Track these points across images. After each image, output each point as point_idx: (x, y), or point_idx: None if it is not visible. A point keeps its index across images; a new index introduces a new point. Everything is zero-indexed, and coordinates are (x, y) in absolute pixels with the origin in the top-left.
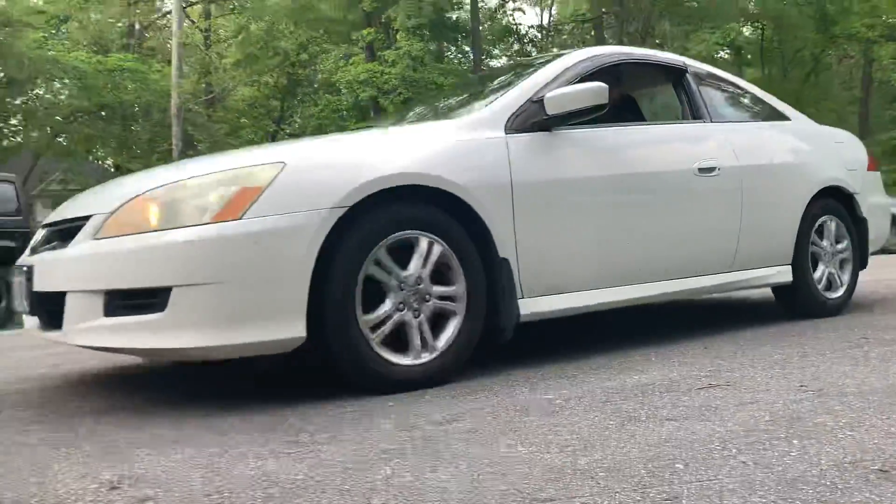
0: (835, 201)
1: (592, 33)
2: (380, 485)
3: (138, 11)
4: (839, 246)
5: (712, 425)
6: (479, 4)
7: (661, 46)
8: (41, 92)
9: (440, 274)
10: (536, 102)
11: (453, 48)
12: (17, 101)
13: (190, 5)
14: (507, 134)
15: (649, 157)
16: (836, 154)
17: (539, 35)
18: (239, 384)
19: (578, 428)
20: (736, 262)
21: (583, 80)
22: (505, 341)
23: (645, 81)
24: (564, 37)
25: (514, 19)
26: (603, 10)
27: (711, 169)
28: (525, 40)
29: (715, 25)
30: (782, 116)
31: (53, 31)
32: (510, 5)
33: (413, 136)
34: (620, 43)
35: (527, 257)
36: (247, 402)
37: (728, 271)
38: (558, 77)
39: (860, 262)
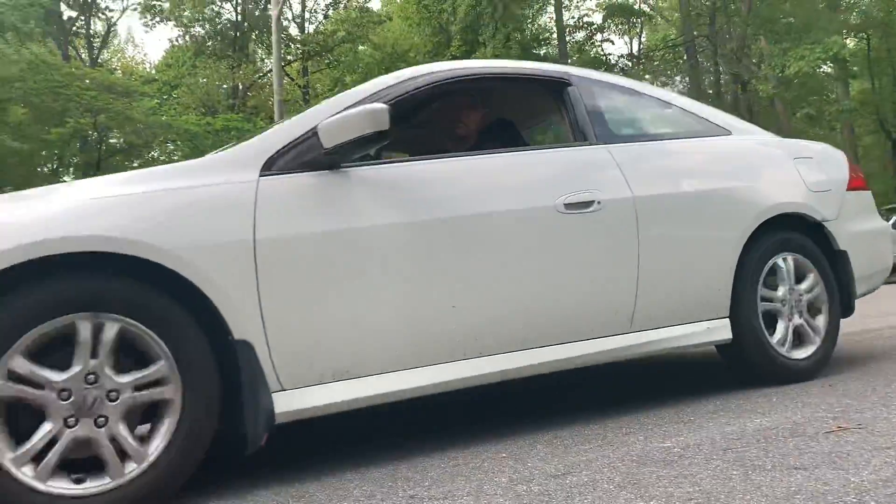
0: (797, 233)
1: (685, 58)
2: None
3: (241, 73)
4: (802, 286)
5: (846, 474)
6: (567, 39)
7: (758, 65)
8: (156, 154)
9: (145, 357)
10: (317, 135)
11: None
12: (135, 164)
13: (288, 64)
14: (261, 176)
15: (486, 194)
16: (793, 173)
17: (630, 64)
18: (349, 434)
19: (700, 479)
20: (636, 320)
21: (409, 105)
22: (254, 450)
23: (521, 100)
24: (656, 63)
25: (602, 50)
26: (695, 33)
27: (587, 203)
28: (615, 70)
29: (815, 40)
30: (718, 131)
31: (165, 97)
32: (598, 37)
33: (108, 186)
34: (715, 65)
35: (284, 336)
36: (360, 453)
37: (627, 332)
38: (360, 104)
39: (843, 308)
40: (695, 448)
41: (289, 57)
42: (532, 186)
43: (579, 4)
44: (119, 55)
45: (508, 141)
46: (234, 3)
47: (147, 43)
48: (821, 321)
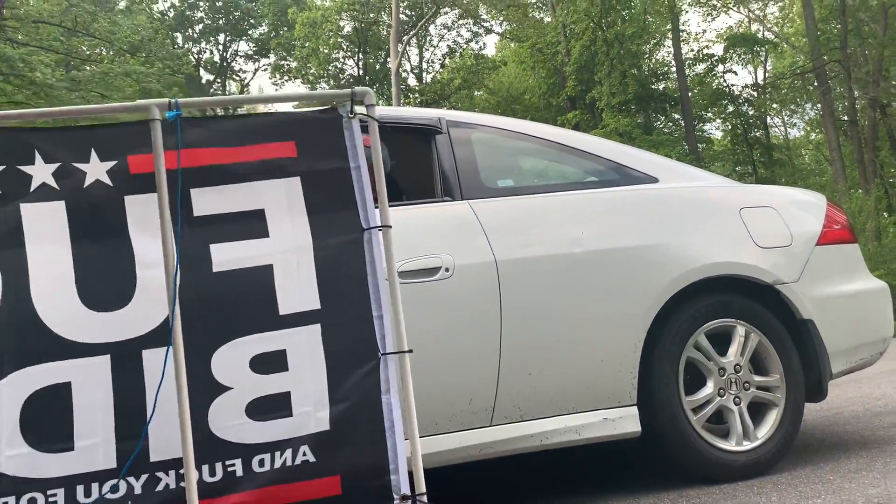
0: (745, 298)
1: (815, 84)
2: None
3: None
4: (759, 379)
5: None
6: (687, 72)
7: None
8: None
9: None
10: None
11: (662, 118)
12: None
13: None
14: None
15: None
16: (737, 226)
17: (755, 94)
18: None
19: None
20: (500, 411)
21: None
22: None
23: (398, 151)
24: (784, 91)
25: (725, 81)
26: (825, 58)
27: (431, 270)
28: (740, 101)
29: None
30: (640, 178)
31: None
32: (720, 68)
33: None
34: (849, 91)
35: None
36: None
37: (485, 426)
38: None
39: (811, 390)
40: None
41: (408, 106)
42: None
43: (698, 37)
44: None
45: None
46: (355, 59)
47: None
48: (767, 425)
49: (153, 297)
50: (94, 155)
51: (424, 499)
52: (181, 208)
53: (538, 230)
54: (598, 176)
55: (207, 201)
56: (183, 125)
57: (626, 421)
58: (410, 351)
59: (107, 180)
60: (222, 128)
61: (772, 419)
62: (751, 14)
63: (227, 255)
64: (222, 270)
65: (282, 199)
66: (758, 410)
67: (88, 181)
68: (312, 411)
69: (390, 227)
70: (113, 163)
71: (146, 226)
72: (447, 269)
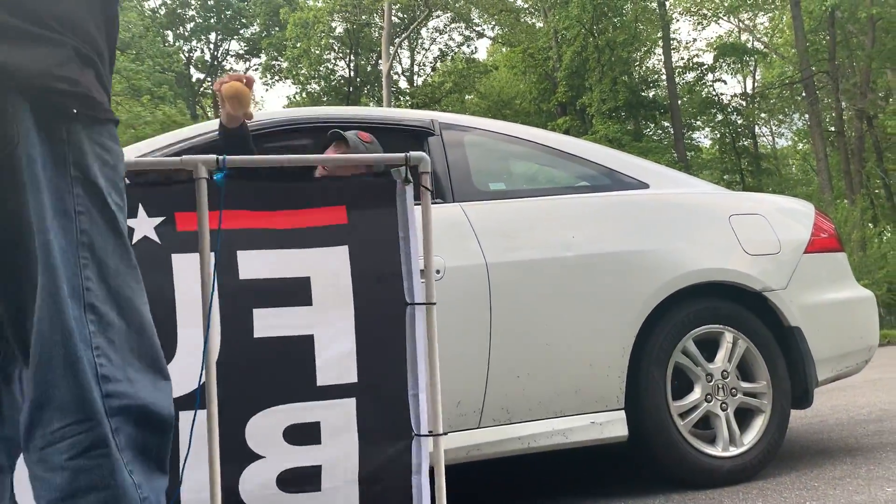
0: (733, 304)
1: (803, 94)
2: None
3: None
4: (746, 385)
5: None
6: (676, 80)
7: (885, 100)
8: None
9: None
10: None
11: (652, 125)
12: None
13: None
14: None
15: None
16: (726, 233)
17: (744, 103)
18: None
19: None
20: (488, 413)
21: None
22: None
23: (387, 152)
24: (772, 101)
25: (714, 90)
26: (813, 69)
27: (421, 272)
28: (728, 109)
29: None
30: (630, 184)
31: None
32: (709, 77)
33: None
34: (837, 102)
35: None
36: None
37: (474, 428)
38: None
39: (797, 397)
40: None
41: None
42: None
43: (689, 45)
44: None
45: None
46: (346, 60)
47: (267, 100)
48: (754, 430)
49: (192, 359)
50: (141, 211)
51: None
52: (227, 270)
53: (529, 234)
54: (589, 180)
55: (254, 265)
56: (231, 185)
57: (613, 425)
58: (446, 433)
59: (154, 237)
60: (272, 189)
61: (758, 425)
62: (741, 24)
63: (269, 321)
64: (263, 336)
65: (328, 268)
66: (744, 417)
67: (136, 238)
68: (343, 488)
69: (434, 304)
70: (160, 219)
71: (190, 285)
72: (438, 272)
